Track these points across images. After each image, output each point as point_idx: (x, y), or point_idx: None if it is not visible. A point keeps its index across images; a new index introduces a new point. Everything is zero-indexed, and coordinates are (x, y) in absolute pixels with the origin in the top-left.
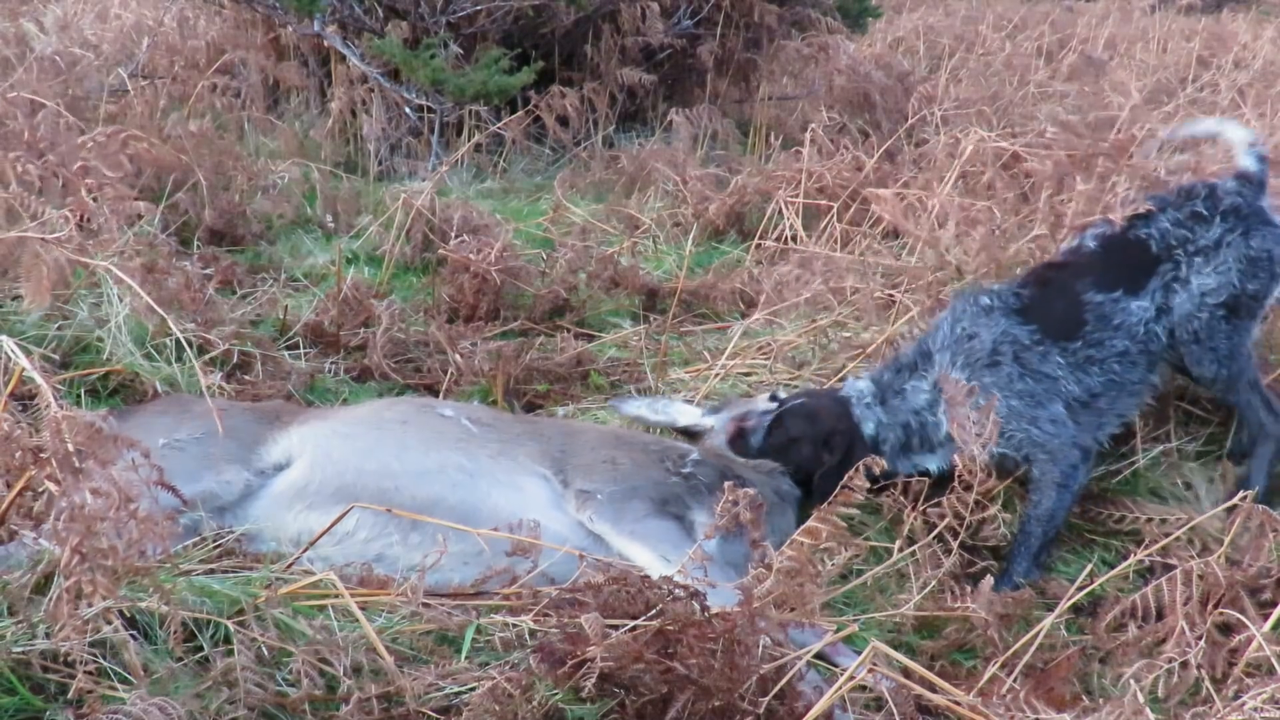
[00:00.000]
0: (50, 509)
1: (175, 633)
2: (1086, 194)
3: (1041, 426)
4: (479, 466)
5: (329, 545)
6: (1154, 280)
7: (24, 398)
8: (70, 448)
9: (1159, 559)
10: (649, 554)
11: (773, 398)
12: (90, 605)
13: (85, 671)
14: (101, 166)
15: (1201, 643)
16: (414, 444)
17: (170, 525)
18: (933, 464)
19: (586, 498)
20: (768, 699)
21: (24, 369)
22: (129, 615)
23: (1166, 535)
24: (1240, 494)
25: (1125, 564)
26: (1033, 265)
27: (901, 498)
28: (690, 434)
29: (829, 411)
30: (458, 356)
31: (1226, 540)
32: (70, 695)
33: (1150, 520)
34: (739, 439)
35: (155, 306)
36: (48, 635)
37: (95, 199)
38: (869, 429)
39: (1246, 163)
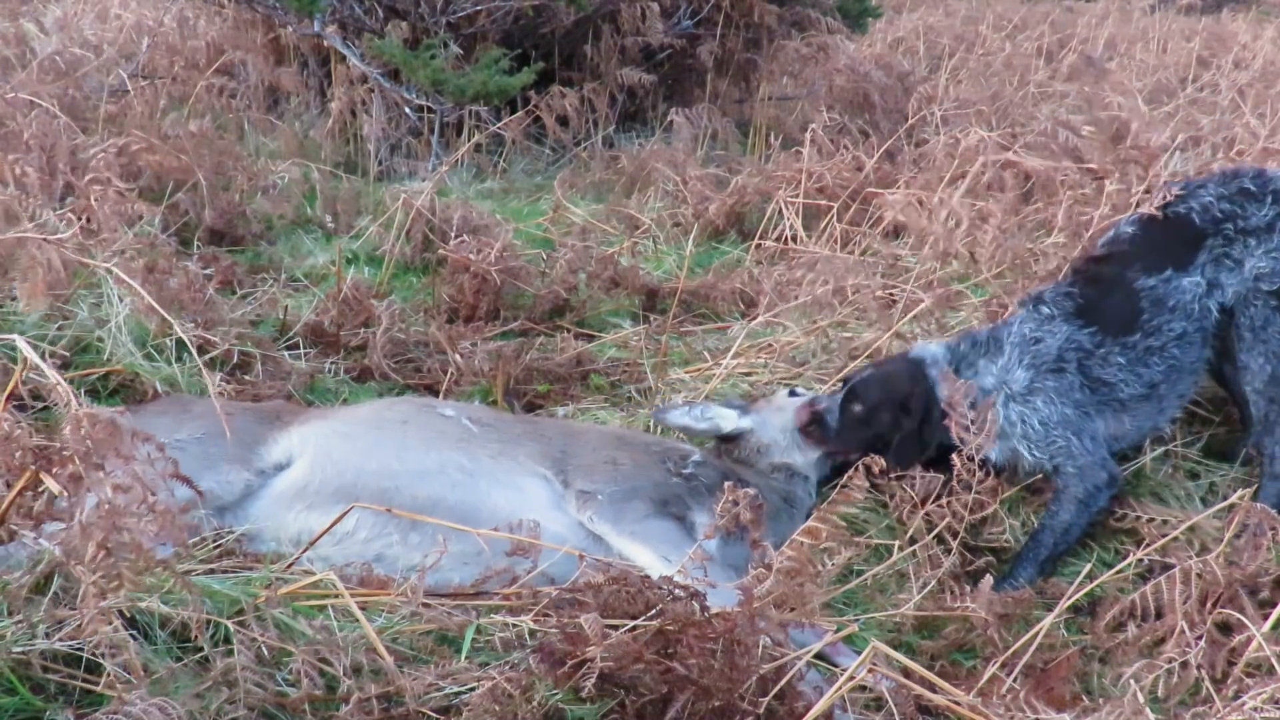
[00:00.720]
0: (49, 509)
1: (198, 627)
2: (1113, 197)
3: (1083, 440)
4: (479, 467)
5: (329, 545)
6: (1202, 254)
7: (22, 397)
8: (92, 444)
9: (1158, 559)
10: (649, 554)
11: (792, 393)
12: (108, 599)
13: (113, 663)
14: (113, 178)
15: (1201, 643)
16: (414, 444)
17: (186, 518)
18: (993, 454)
19: (587, 498)
20: (768, 699)
21: (29, 366)
22: (129, 615)
23: (1165, 535)
24: (1238, 493)
25: (1124, 563)
26: (1073, 260)
27: (903, 491)
28: (730, 439)
29: (903, 374)
30: (458, 356)
31: (1225, 539)
32: (100, 688)
33: (1150, 520)
34: (814, 423)
35: (158, 307)
36: (48, 635)
37: (96, 200)
38: (943, 392)
39: None
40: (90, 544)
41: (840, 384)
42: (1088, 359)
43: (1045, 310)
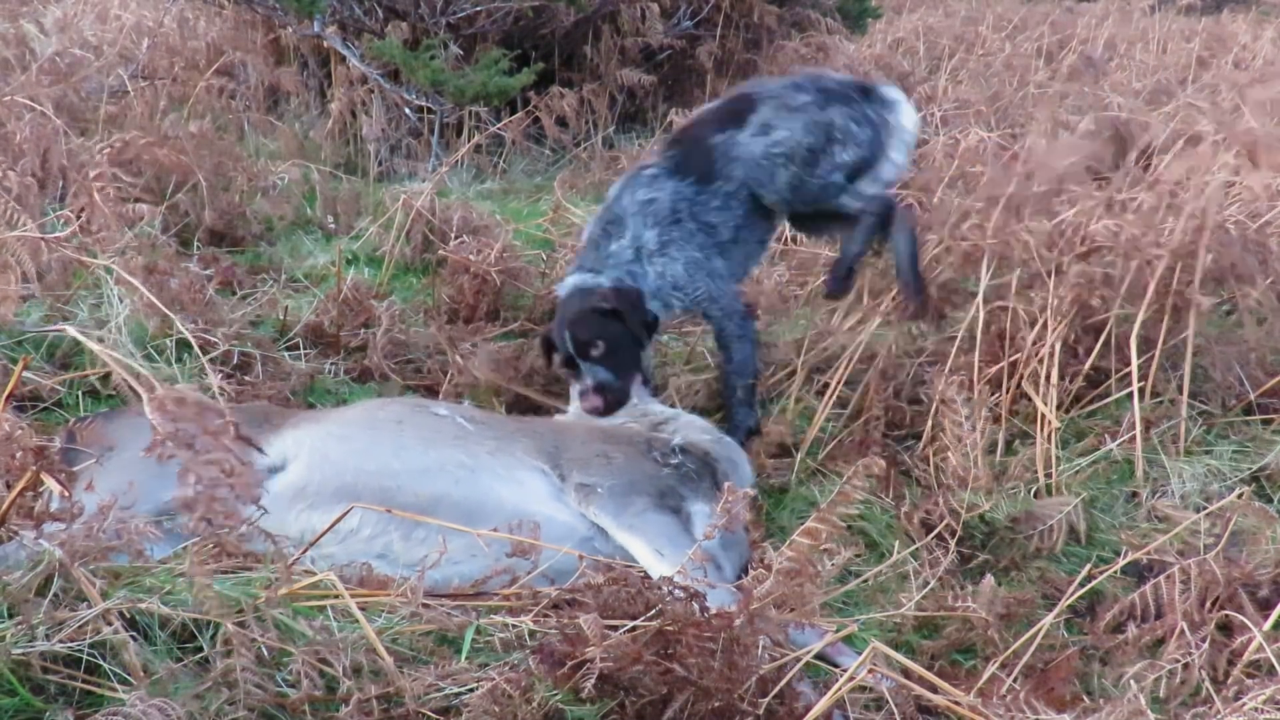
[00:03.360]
0: (49, 509)
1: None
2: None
3: (715, 280)
4: (479, 462)
5: (332, 544)
6: (754, 118)
7: (24, 398)
8: (181, 426)
9: (1157, 558)
10: (645, 547)
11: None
12: (86, 604)
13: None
14: (108, 167)
15: (1203, 644)
16: (412, 442)
17: (256, 474)
18: (653, 306)
19: (588, 491)
20: (768, 699)
21: (95, 358)
22: (129, 616)
23: (1164, 534)
24: (1236, 492)
25: (1124, 562)
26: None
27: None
28: None
29: (598, 306)
30: (458, 357)
31: (1224, 538)
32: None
33: (1149, 520)
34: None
35: (161, 306)
36: (48, 636)
37: (92, 197)
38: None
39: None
40: (193, 519)
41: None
42: (693, 206)
43: (650, 172)
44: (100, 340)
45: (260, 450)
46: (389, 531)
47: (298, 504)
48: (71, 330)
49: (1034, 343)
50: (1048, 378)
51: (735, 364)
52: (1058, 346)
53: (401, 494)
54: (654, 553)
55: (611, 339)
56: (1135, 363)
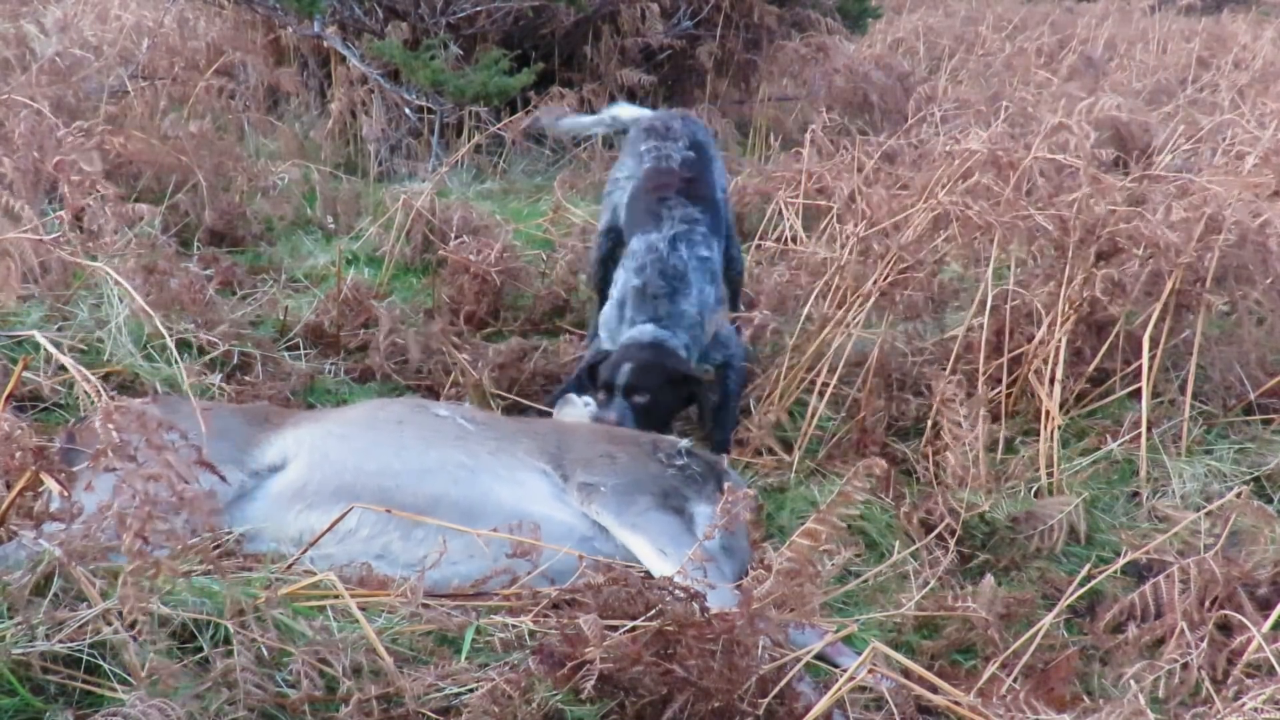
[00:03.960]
0: (49, 509)
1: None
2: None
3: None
4: (479, 463)
5: (332, 544)
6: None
7: (24, 398)
8: (125, 437)
9: (1157, 558)
10: (648, 546)
11: (587, 404)
12: (155, 583)
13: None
14: (81, 162)
15: (1202, 644)
16: (412, 442)
17: (213, 502)
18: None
19: (590, 490)
20: (767, 700)
21: (52, 362)
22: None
23: (1164, 534)
24: (1235, 491)
25: (1123, 562)
26: (662, 180)
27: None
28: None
29: (661, 360)
30: (463, 357)
31: (1224, 538)
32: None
33: (1149, 519)
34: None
35: (147, 309)
36: (48, 636)
37: (93, 200)
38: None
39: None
40: (128, 536)
41: (601, 389)
42: (718, 267)
43: (702, 230)
44: (100, 340)
45: (223, 478)
46: (388, 531)
47: (296, 503)
48: (40, 338)
49: (1041, 339)
50: (1052, 377)
51: (736, 392)
52: (1064, 342)
53: (401, 493)
54: (657, 552)
55: (660, 399)
56: (1146, 362)
